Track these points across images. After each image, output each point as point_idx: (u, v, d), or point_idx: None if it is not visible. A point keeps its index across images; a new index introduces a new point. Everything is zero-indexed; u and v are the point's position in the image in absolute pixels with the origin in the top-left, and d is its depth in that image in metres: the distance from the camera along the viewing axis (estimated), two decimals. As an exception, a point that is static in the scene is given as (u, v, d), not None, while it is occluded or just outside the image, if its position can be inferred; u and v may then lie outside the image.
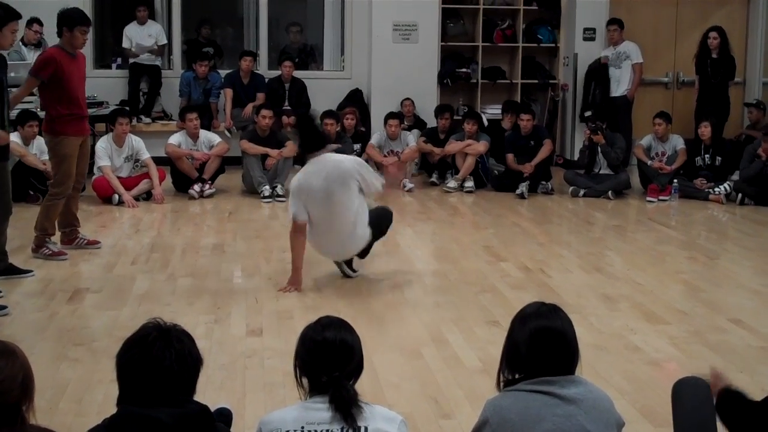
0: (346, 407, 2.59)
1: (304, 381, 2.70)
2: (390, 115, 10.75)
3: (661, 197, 9.83)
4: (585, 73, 11.79)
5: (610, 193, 9.92)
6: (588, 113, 11.33)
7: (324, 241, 6.29)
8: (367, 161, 7.73)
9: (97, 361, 4.75)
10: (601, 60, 11.55)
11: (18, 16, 6.22)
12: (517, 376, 2.77)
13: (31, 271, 6.55)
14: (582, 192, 10.02)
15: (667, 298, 6.18)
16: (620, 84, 11.48)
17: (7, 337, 4.55)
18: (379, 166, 10.30)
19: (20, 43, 10.75)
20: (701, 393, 3.00)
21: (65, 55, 6.83)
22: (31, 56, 10.70)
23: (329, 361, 2.65)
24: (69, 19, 6.86)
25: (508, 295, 6.13)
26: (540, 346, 2.71)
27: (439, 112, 10.96)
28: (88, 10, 10.87)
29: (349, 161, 6.30)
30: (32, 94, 10.20)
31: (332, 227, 6.18)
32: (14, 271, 6.43)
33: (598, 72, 11.58)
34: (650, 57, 11.77)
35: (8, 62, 6.49)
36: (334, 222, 6.15)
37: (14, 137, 9.04)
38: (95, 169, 9.31)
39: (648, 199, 9.85)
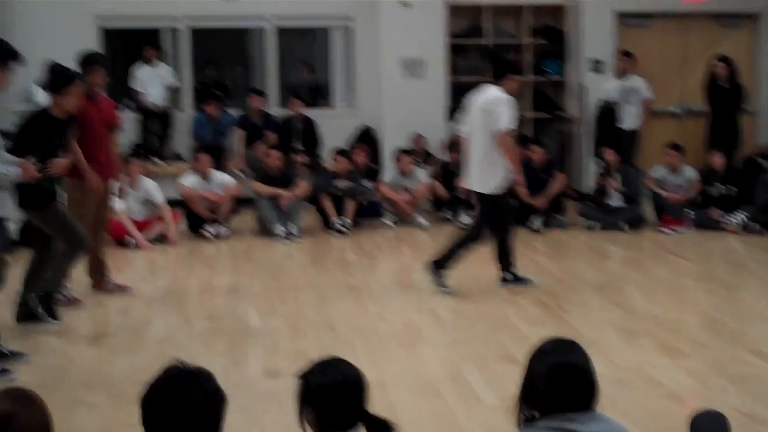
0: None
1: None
2: (401, 151, 10.77)
3: (676, 228, 9.79)
4: (596, 116, 11.69)
5: (624, 225, 9.90)
6: (600, 161, 11.07)
7: None
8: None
9: (116, 407, 4.74)
10: (611, 104, 11.43)
11: (15, 55, 5.77)
12: (536, 413, 2.74)
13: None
14: (596, 225, 10.00)
15: (686, 331, 6.14)
16: (631, 118, 11.39)
17: (25, 383, 4.53)
18: (392, 203, 10.31)
19: (33, 84, 10.57)
20: (719, 426, 2.97)
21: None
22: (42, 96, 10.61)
23: (344, 400, 2.64)
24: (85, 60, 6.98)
25: (526, 332, 6.10)
26: (558, 382, 2.68)
27: (452, 147, 10.98)
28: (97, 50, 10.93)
29: None
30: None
31: None
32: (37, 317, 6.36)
33: (607, 115, 11.48)
34: (658, 87, 11.72)
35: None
36: None
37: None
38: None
39: (662, 230, 9.82)
